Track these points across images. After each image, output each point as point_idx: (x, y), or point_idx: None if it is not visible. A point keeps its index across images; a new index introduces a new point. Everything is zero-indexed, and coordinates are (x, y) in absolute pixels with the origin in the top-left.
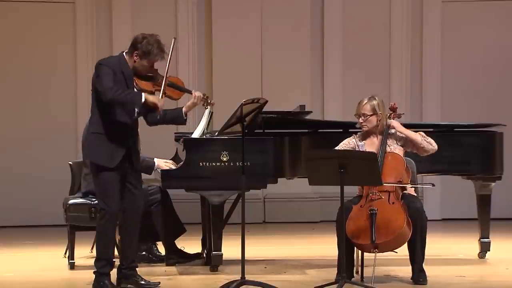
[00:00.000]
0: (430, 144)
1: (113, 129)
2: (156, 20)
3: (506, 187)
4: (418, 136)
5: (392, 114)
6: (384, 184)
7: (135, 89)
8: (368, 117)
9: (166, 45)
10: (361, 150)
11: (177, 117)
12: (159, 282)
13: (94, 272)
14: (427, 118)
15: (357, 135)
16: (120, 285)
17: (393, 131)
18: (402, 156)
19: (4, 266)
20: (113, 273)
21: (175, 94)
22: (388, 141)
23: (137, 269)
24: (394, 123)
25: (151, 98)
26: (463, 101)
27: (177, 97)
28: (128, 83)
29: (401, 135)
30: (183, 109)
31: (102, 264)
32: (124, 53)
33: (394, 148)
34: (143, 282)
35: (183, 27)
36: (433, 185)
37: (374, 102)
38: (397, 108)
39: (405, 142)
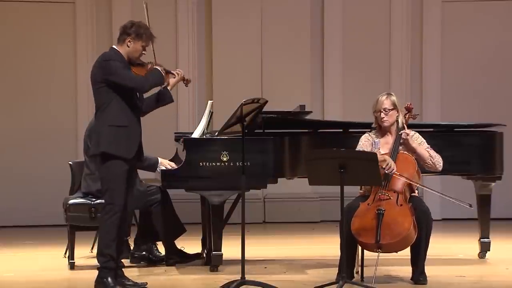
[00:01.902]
0: (434, 165)
1: (130, 120)
2: (156, 20)
3: (506, 187)
4: (426, 153)
5: (408, 114)
6: (397, 176)
7: None
8: (389, 111)
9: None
10: (377, 147)
11: (166, 98)
12: (146, 283)
13: (97, 268)
14: (427, 118)
15: (371, 132)
16: None
17: (403, 139)
18: (413, 158)
19: (4, 266)
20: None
21: (166, 76)
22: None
23: (136, 268)
24: (407, 136)
25: (160, 67)
26: (463, 101)
27: (167, 80)
28: None
29: (411, 146)
30: (168, 87)
31: (106, 259)
32: (114, 47)
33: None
34: (129, 283)
35: (183, 27)
36: (470, 205)
37: (393, 98)
38: (412, 108)
39: (413, 154)
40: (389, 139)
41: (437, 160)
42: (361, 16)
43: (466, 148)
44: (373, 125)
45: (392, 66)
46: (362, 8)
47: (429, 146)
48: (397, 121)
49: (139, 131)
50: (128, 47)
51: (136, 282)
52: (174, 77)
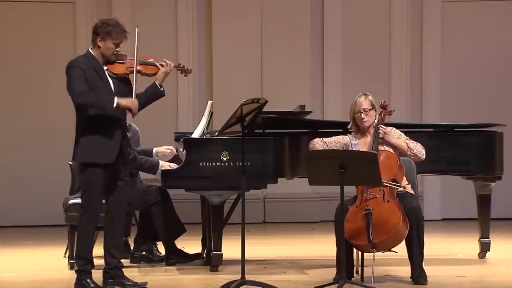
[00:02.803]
0: (416, 155)
1: (104, 126)
2: (156, 20)
3: (506, 187)
4: (404, 145)
5: (383, 112)
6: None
7: (109, 80)
8: (368, 111)
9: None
10: (354, 148)
11: (153, 92)
12: (146, 283)
13: (75, 271)
14: (427, 118)
15: (351, 134)
16: (106, 286)
17: (381, 135)
18: (395, 153)
19: (4, 266)
20: (98, 274)
21: (149, 69)
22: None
23: (136, 268)
24: (385, 133)
25: (124, 102)
26: (463, 101)
27: (152, 72)
28: (101, 76)
29: (390, 142)
30: (156, 82)
31: (83, 262)
32: (90, 49)
33: (388, 148)
34: (129, 283)
35: (183, 27)
36: (404, 188)
37: (370, 97)
38: (387, 105)
39: (394, 148)
40: (368, 139)
41: (418, 150)
42: (361, 16)
43: (466, 148)
44: (349, 126)
45: (392, 66)
46: (362, 8)
47: (407, 137)
48: (375, 119)
49: (118, 133)
50: (100, 47)
51: (136, 282)
52: (163, 68)
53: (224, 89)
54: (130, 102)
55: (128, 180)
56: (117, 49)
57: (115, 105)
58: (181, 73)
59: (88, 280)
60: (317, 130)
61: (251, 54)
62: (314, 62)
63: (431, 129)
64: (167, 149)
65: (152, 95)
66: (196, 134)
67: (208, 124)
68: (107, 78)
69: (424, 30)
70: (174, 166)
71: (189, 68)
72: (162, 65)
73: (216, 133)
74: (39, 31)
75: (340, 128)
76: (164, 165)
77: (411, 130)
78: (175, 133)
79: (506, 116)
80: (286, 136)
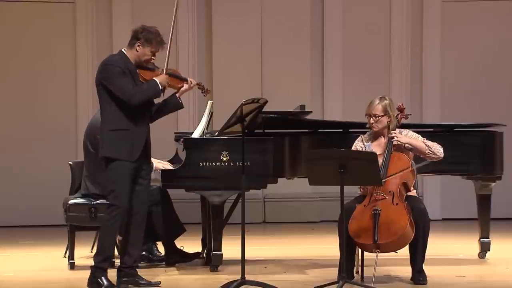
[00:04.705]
0: (434, 154)
1: (132, 123)
2: (156, 20)
3: (506, 187)
4: (422, 145)
5: (400, 115)
6: (389, 178)
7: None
8: (379, 117)
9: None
10: (367, 150)
11: (174, 105)
12: (160, 282)
13: (91, 267)
14: (427, 118)
15: (364, 136)
16: (120, 285)
17: (395, 142)
18: (408, 157)
19: (4, 266)
20: (113, 272)
21: (176, 82)
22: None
23: (136, 269)
24: (396, 136)
25: (160, 79)
26: (463, 101)
27: (179, 86)
28: (134, 78)
29: (406, 145)
30: (177, 94)
31: (102, 259)
32: (123, 50)
33: (402, 151)
34: (143, 282)
35: (183, 27)
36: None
37: (386, 102)
38: (404, 108)
39: (410, 150)
40: (382, 141)
41: (436, 148)
42: (361, 16)
43: (466, 148)
44: (367, 125)
45: (392, 66)
46: (362, 8)
47: (424, 138)
48: (388, 125)
49: (144, 133)
50: (137, 51)
51: (150, 282)
52: (186, 84)
53: (224, 89)
54: (164, 78)
55: (149, 177)
56: (152, 57)
57: (160, 86)
58: (202, 91)
59: (103, 278)
60: (317, 130)
61: (251, 54)
62: (314, 62)
63: (431, 129)
64: (163, 165)
65: (172, 108)
66: (196, 134)
67: (208, 124)
68: (140, 81)
69: (424, 30)
70: (167, 166)
71: (208, 89)
72: (186, 82)
73: (216, 133)
74: (39, 31)
75: (340, 128)
76: (157, 166)
77: (411, 130)
78: (175, 133)
79: (506, 116)
80: (286, 136)
